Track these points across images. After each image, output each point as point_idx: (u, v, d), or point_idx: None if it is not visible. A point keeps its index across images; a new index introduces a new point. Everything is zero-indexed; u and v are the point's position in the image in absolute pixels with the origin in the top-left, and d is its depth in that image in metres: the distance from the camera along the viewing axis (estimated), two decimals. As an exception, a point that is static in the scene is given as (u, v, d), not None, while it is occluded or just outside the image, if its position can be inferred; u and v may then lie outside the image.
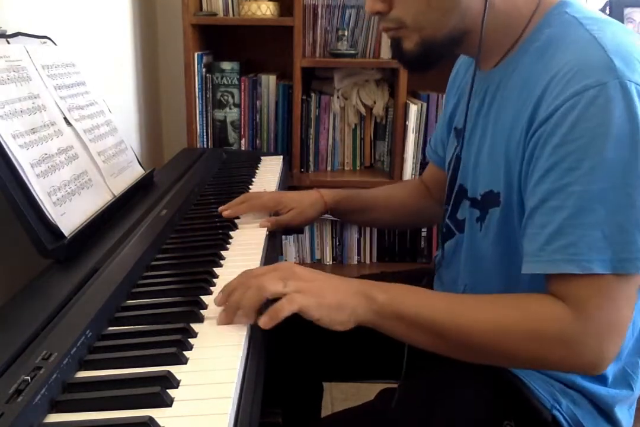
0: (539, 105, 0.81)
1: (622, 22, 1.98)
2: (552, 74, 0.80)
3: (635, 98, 0.75)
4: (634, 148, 0.74)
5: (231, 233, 1.12)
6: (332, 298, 0.80)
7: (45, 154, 0.96)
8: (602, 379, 0.91)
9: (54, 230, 0.91)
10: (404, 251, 2.27)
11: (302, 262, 2.31)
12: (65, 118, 1.08)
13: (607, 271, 0.74)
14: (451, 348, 0.82)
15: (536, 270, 0.79)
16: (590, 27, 0.82)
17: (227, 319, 0.79)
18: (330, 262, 2.28)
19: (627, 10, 1.99)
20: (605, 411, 0.91)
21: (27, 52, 1.06)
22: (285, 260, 2.27)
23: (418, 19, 0.88)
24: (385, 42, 2.12)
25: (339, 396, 1.95)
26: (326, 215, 1.29)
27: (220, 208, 1.19)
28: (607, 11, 1.99)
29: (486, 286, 0.96)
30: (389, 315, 0.81)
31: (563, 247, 0.76)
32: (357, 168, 2.26)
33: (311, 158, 2.19)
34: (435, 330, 0.81)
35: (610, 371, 0.91)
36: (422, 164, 2.11)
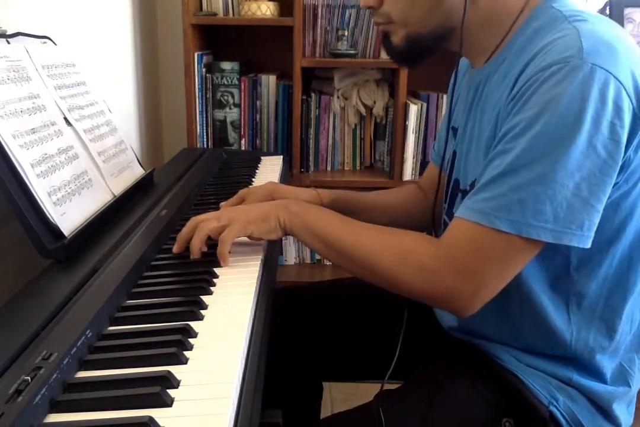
0: (514, 86, 0.84)
1: (622, 22, 1.98)
2: (529, 58, 0.83)
3: (595, 80, 0.76)
4: (573, 127, 0.76)
5: (231, 233, 1.11)
6: (256, 213, 0.98)
7: (46, 154, 0.96)
8: (599, 376, 0.92)
9: (54, 230, 0.91)
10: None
11: (302, 263, 2.31)
12: (65, 118, 1.08)
13: (510, 230, 0.79)
14: (337, 259, 0.95)
15: (457, 214, 0.85)
16: (573, 18, 0.84)
17: (179, 249, 0.98)
18: (330, 263, 2.27)
19: (627, 10, 1.99)
20: (602, 407, 0.92)
21: (27, 52, 1.06)
22: (285, 260, 2.27)
23: (403, 15, 0.93)
24: (385, 42, 2.12)
25: (339, 396, 1.95)
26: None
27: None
28: (607, 11, 1.99)
29: None
30: (299, 224, 0.97)
31: (483, 200, 0.82)
32: (357, 168, 2.26)
33: (311, 158, 2.19)
34: (326, 242, 0.94)
35: (608, 367, 0.92)
36: (422, 164, 2.11)
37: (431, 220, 1.12)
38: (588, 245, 0.79)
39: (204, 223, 0.97)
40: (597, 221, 0.79)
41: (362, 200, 1.30)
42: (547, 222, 0.78)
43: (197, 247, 0.96)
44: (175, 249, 0.99)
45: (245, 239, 1.02)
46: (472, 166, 0.96)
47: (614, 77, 0.77)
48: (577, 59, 0.77)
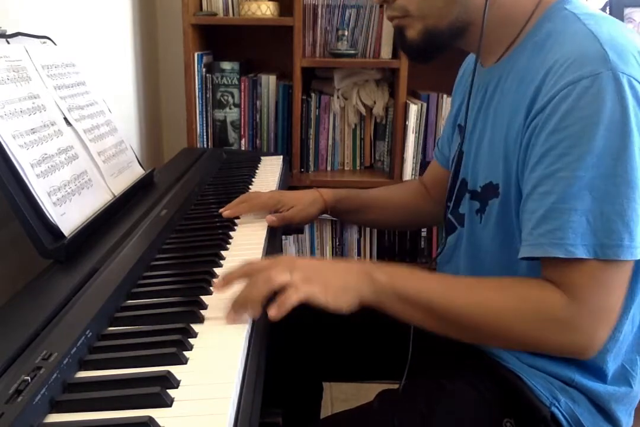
0: (536, 96, 0.83)
1: (622, 22, 1.97)
2: (549, 65, 0.82)
3: (627, 89, 0.76)
4: (623, 138, 0.76)
5: (231, 233, 1.12)
6: (336, 282, 0.82)
7: (45, 154, 0.96)
8: (601, 376, 0.92)
9: (54, 230, 0.91)
10: (404, 251, 2.27)
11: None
12: (65, 118, 1.08)
13: (590, 255, 0.77)
14: (449, 329, 0.85)
15: (524, 253, 0.82)
16: (588, 22, 0.84)
17: (237, 314, 0.79)
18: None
19: (627, 10, 1.99)
20: (603, 408, 0.92)
21: (27, 52, 1.06)
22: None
23: (422, 7, 0.91)
24: (385, 42, 2.12)
25: (339, 396, 1.95)
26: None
27: (220, 210, 1.19)
28: (607, 11, 1.99)
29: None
30: (390, 295, 0.83)
31: (549, 232, 0.79)
32: (357, 168, 2.26)
33: (311, 158, 2.19)
34: (431, 309, 0.83)
35: (610, 368, 0.91)
36: (422, 164, 2.10)
37: (443, 221, 1.11)
38: None
39: (275, 274, 0.80)
40: None
41: (365, 199, 1.30)
42: (624, 239, 0.76)
43: (262, 300, 0.79)
44: (217, 287, 0.85)
45: (245, 239, 1.02)
46: (483, 167, 0.95)
47: (639, 83, 0.77)
48: (606, 69, 0.77)
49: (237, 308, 0.79)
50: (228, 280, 0.84)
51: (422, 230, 2.22)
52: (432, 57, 0.98)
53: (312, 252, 2.28)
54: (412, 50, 0.97)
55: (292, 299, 0.78)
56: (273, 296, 0.79)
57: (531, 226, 0.81)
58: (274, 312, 0.78)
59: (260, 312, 0.79)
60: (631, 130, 0.76)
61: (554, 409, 0.90)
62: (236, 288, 0.82)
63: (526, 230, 0.82)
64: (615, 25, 0.85)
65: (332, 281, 0.82)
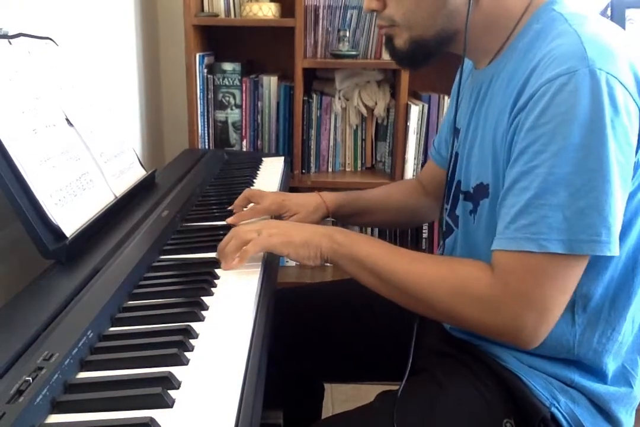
0: (519, 95, 0.84)
1: (624, 23, 1.98)
2: (533, 65, 0.83)
3: (603, 86, 0.77)
4: (597, 134, 0.77)
5: (232, 234, 1.11)
6: (298, 237, 0.94)
7: (47, 155, 0.96)
8: (601, 377, 0.92)
9: (55, 231, 0.91)
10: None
11: (303, 264, 2.30)
12: (67, 119, 1.08)
13: (565, 251, 0.78)
14: (389, 291, 0.92)
15: (500, 246, 0.83)
16: (573, 21, 0.85)
17: (225, 265, 0.95)
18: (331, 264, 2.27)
19: (628, 12, 1.99)
20: (604, 409, 0.92)
21: (29, 52, 1.06)
22: (287, 261, 2.27)
23: (407, 18, 0.93)
24: (387, 43, 2.12)
25: (340, 397, 1.95)
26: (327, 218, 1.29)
27: (226, 220, 1.17)
28: (609, 12, 1.99)
29: None
30: (345, 255, 0.93)
31: (524, 226, 0.80)
32: (358, 169, 2.26)
33: (312, 159, 2.19)
34: (376, 274, 0.91)
35: (610, 368, 0.92)
36: (424, 165, 2.09)
37: (441, 222, 1.11)
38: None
39: (243, 233, 0.95)
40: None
41: (367, 202, 1.30)
42: (600, 234, 0.77)
43: (230, 256, 0.95)
44: (223, 265, 0.96)
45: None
46: (474, 168, 0.96)
47: (619, 81, 0.77)
48: (583, 66, 0.77)
49: (222, 259, 0.96)
50: (221, 250, 0.96)
51: (424, 231, 2.23)
52: (421, 64, 1.00)
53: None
54: (401, 58, 0.99)
55: (248, 250, 0.93)
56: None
57: (508, 220, 0.82)
58: (235, 263, 0.94)
59: (230, 266, 0.94)
60: (605, 126, 0.76)
61: (553, 409, 0.90)
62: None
63: (502, 224, 0.83)
64: (601, 24, 0.86)
65: (294, 236, 0.94)
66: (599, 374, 0.92)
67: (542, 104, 0.79)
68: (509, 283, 0.81)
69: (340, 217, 1.31)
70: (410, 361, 0.96)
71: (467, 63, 1.13)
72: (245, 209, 1.20)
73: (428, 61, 0.99)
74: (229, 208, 1.21)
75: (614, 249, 0.79)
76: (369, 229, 2.25)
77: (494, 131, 0.90)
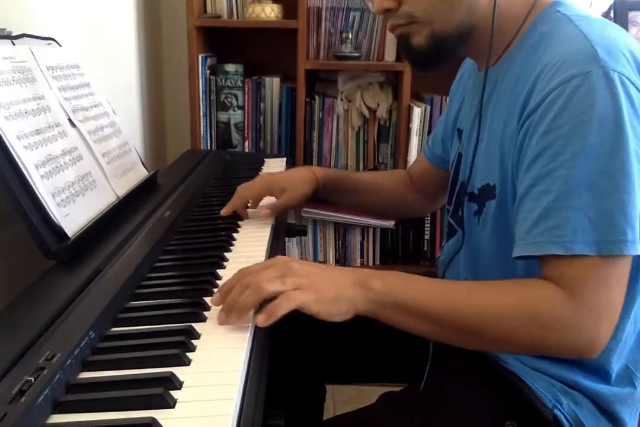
0: (529, 97, 0.83)
1: (627, 25, 1.98)
2: (541, 66, 0.83)
3: (618, 85, 0.77)
4: (616, 133, 0.76)
5: (234, 235, 1.12)
6: (329, 291, 0.80)
7: (50, 155, 0.96)
8: (604, 378, 0.91)
9: (57, 231, 0.91)
10: (407, 254, 2.26)
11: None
12: (69, 119, 1.08)
13: (591, 252, 0.76)
14: (449, 335, 0.83)
15: (523, 252, 0.81)
16: (579, 23, 0.84)
17: (226, 319, 0.78)
18: (333, 264, 2.27)
19: (631, 14, 1.99)
20: (607, 410, 0.92)
21: (32, 53, 1.06)
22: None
23: (428, 12, 0.91)
24: (389, 44, 2.12)
25: (341, 398, 1.95)
26: (329, 214, 1.29)
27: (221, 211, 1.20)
28: (612, 14, 1.99)
29: (485, 280, 0.96)
30: (386, 304, 0.81)
31: (548, 230, 0.78)
32: (361, 170, 2.26)
33: (314, 160, 2.19)
34: (431, 317, 0.81)
35: (613, 368, 0.91)
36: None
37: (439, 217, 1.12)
38: None
39: (266, 282, 0.78)
40: None
41: (355, 181, 1.31)
42: (627, 234, 0.76)
43: (250, 308, 0.79)
44: (216, 301, 0.81)
45: (248, 240, 1.01)
46: (481, 170, 0.96)
47: (630, 81, 0.78)
48: (596, 67, 0.77)
49: (227, 313, 0.78)
50: (224, 292, 0.81)
51: (426, 233, 2.22)
52: (438, 63, 0.97)
53: (315, 254, 2.28)
54: (419, 57, 0.96)
55: (281, 308, 0.77)
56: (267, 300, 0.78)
57: (529, 225, 0.80)
58: (262, 320, 0.76)
59: (245, 320, 0.78)
60: (625, 125, 0.76)
61: (556, 411, 0.90)
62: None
63: (523, 229, 0.81)
64: (606, 25, 0.86)
65: (325, 290, 0.80)
66: (602, 375, 0.91)
67: (557, 106, 0.78)
68: (584, 295, 0.77)
69: (328, 193, 1.28)
70: (429, 365, 0.95)
71: (467, 64, 1.13)
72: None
73: (444, 60, 0.96)
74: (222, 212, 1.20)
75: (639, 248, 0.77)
76: (370, 234, 2.25)
77: (501, 133, 0.90)
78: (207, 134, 2.13)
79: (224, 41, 2.25)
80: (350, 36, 2.09)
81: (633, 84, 0.78)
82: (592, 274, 0.77)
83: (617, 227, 0.76)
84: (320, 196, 1.29)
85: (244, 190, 1.22)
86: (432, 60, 0.97)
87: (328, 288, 0.80)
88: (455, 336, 0.83)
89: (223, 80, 2.09)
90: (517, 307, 0.79)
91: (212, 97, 2.10)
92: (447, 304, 0.81)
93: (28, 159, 0.90)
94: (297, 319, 1.07)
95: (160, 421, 0.58)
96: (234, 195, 1.22)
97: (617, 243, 0.76)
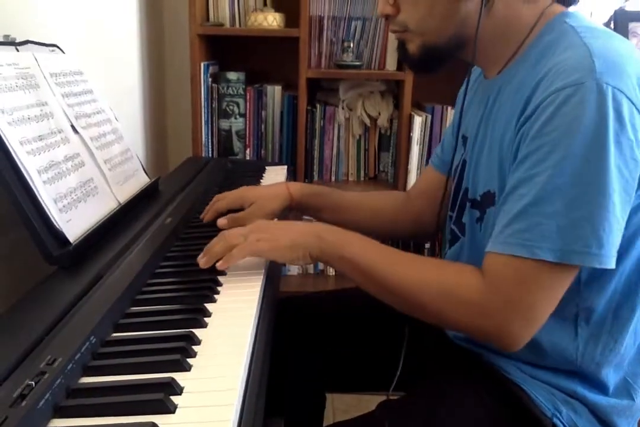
0: (527, 104, 0.84)
1: (627, 36, 1.98)
2: (541, 75, 0.84)
3: (609, 100, 0.77)
4: (598, 147, 0.77)
5: (235, 242, 1.12)
6: (284, 240, 0.94)
7: (52, 161, 0.97)
8: (602, 389, 0.92)
9: (59, 236, 0.91)
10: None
11: (305, 274, 2.30)
12: (72, 126, 1.09)
13: (553, 258, 0.78)
14: (378, 291, 0.92)
15: (492, 249, 0.83)
16: (584, 34, 0.85)
17: (200, 260, 0.95)
18: (333, 273, 2.27)
19: (631, 25, 2.00)
20: (605, 420, 0.92)
21: (36, 59, 1.07)
22: (289, 270, 2.27)
23: (420, 25, 0.94)
24: (390, 53, 2.13)
25: (340, 406, 1.95)
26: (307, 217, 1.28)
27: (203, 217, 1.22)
28: (612, 25, 2.00)
29: None
30: (334, 255, 0.93)
31: (518, 232, 0.80)
32: (361, 179, 2.26)
33: (315, 168, 2.19)
34: (366, 274, 0.91)
35: (612, 380, 0.91)
36: (426, 176, 2.10)
37: (435, 227, 1.12)
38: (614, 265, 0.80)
39: (230, 237, 0.95)
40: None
41: (339, 199, 1.29)
42: (591, 246, 0.77)
43: (214, 257, 0.94)
44: (203, 262, 0.95)
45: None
46: (482, 176, 0.96)
47: (626, 96, 0.77)
48: (590, 79, 0.77)
49: (202, 256, 0.95)
50: (207, 251, 0.95)
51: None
52: (432, 70, 1.01)
53: (316, 263, 2.27)
54: (413, 63, 1.01)
55: (234, 256, 0.93)
56: None
57: (504, 224, 0.83)
58: (219, 264, 0.93)
59: (206, 265, 0.94)
60: (608, 140, 0.76)
61: (555, 420, 0.90)
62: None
63: (498, 227, 0.84)
64: (613, 39, 0.86)
65: (281, 239, 0.94)
66: (600, 386, 0.92)
67: (548, 113, 0.79)
68: (499, 289, 0.82)
69: (306, 210, 1.28)
70: (398, 372, 0.96)
71: (476, 71, 1.14)
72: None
73: (439, 67, 1.00)
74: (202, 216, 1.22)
75: (605, 262, 0.78)
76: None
77: (500, 139, 0.91)
78: (208, 142, 2.13)
79: (226, 49, 2.26)
80: (351, 45, 2.10)
81: (629, 98, 0.77)
82: (519, 272, 0.80)
83: (582, 239, 0.77)
84: (301, 213, 1.29)
85: (220, 199, 1.22)
86: (427, 67, 1.01)
87: (285, 238, 0.94)
88: (384, 295, 0.92)
89: (225, 88, 2.10)
90: (435, 282, 0.87)
91: (213, 105, 2.11)
92: (380, 264, 0.90)
93: (31, 165, 0.90)
94: (297, 327, 1.08)
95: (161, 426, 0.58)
96: (212, 201, 1.23)
97: (579, 254, 0.78)
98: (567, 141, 0.77)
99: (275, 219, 1.20)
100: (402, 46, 0.99)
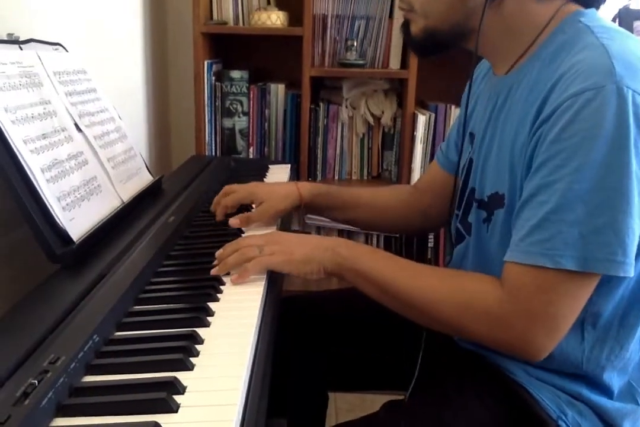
0: (542, 106, 0.83)
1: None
2: (557, 76, 0.82)
3: (629, 104, 0.76)
4: (619, 153, 0.75)
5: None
6: (299, 253, 0.94)
7: (56, 160, 0.97)
8: (607, 392, 0.91)
9: (62, 235, 0.91)
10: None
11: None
12: (75, 124, 1.09)
13: (576, 267, 0.77)
14: (394, 305, 0.92)
15: (513, 258, 0.82)
16: (601, 35, 0.83)
17: (215, 270, 0.94)
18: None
19: (636, 23, 1.99)
20: (610, 424, 0.91)
21: (40, 58, 1.07)
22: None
23: (424, 7, 0.94)
24: (394, 52, 2.13)
25: (344, 406, 1.95)
26: (326, 219, 1.27)
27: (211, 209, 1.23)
28: (617, 24, 2.00)
29: None
30: (349, 269, 0.93)
31: (540, 241, 0.79)
32: (365, 177, 2.26)
33: (319, 167, 2.19)
34: (381, 287, 0.91)
35: (615, 384, 0.91)
36: (430, 174, 2.10)
37: (444, 222, 1.11)
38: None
39: (246, 249, 0.94)
40: None
41: (348, 197, 1.28)
42: (617, 254, 0.76)
43: (227, 269, 0.94)
44: (214, 271, 0.95)
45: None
46: (491, 177, 0.95)
47: None
48: (610, 82, 0.76)
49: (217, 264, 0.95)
50: (220, 259, 0.96)
51: (429, 240, 2.22)
52: (431, 53, 1.01)
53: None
54: (413, 44, 1.01)
55: (249, 270, 0.92)
56: None
57: (523, 233, 0.81)
58: (234, 279, 0.92)
59: (221, 273, 0.94)
60: (629, 145, 0.75)
61: (561, 422, 0.89)
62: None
63: (517, 236, 0.82)
64: (629, 40, 0.84)
65: (295, 253, 0.94)
66: (605, 390, 0.91)
67: (567, 118, 0.78)
68: (519, 299, 0.80)
69: (316, 209, 1.28)
70: (417, 372, 0.95)
71: (482, 66, 1.13)
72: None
73: (439, 52, 0.99)
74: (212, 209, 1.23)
75: (628, 270, 0.77)
76: (374, 241, 2.25)
77: (512, 141, 0.89)
78: (212, 140, 2.13)
79: (229, 48, 2.26)
80: (355, 44, 2.09)
81: None
82: (541, 282, 0.79)
83: (607, 246, 0.76)
84: (311, 212, 1.28)
85: (227, 192, 1.22)
86: (426, 50, 1.01)
87: (299, 251, 0.94)
88: (399, 307, 0.92)
89: (228, 87, 2.10)
90: (453, 294, 0.86)
91: (217, 103, 2.11)
92: (397, 278, 0.90)
93: (34, 163, 0.90)
94: (300, 326, 1.08)
95: (164, 426, 0.58)
96: (221, 191, 1.23)
97: (604, 262, 0.76)
98: (587, 147, 0.76)
99: (280, 220, 1.21)
100: (406, 26, 1.00)
